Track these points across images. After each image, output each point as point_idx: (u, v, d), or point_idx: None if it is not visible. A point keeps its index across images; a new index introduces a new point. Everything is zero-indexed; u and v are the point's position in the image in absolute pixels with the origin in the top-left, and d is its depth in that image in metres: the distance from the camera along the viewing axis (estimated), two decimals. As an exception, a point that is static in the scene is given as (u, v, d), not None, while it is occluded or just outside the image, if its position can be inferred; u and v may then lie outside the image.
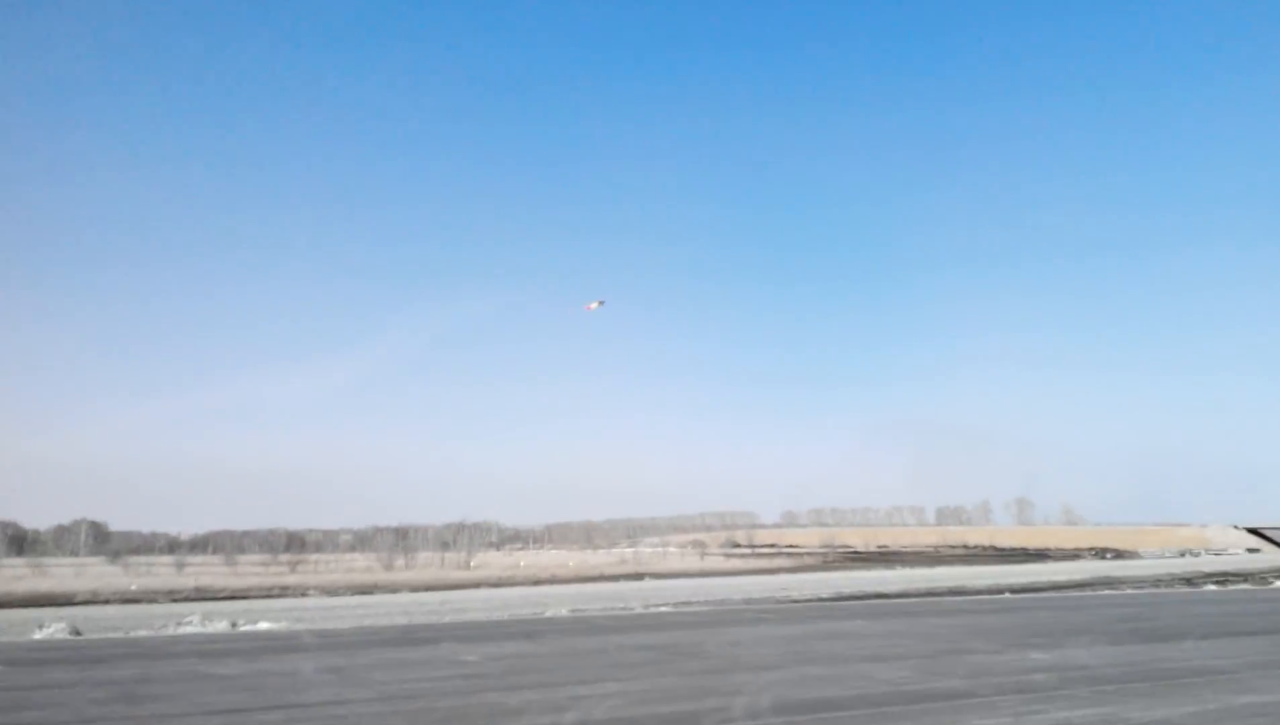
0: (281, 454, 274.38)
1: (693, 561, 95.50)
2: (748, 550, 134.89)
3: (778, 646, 18.18)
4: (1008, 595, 37.08)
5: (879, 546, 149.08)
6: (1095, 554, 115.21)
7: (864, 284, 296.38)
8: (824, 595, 38.07)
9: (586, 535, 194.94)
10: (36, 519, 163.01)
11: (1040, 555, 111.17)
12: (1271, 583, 47.59)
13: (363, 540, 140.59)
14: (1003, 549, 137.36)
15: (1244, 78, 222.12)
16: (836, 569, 74.15)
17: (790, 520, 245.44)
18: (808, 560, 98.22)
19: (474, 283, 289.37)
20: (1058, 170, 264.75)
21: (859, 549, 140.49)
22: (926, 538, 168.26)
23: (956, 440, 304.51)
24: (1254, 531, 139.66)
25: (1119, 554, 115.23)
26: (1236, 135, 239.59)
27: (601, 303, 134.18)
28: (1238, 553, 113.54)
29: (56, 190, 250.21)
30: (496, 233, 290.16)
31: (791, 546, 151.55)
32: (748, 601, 34.08)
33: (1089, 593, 38.93)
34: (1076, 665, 14.95)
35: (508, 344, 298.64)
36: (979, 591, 40.54)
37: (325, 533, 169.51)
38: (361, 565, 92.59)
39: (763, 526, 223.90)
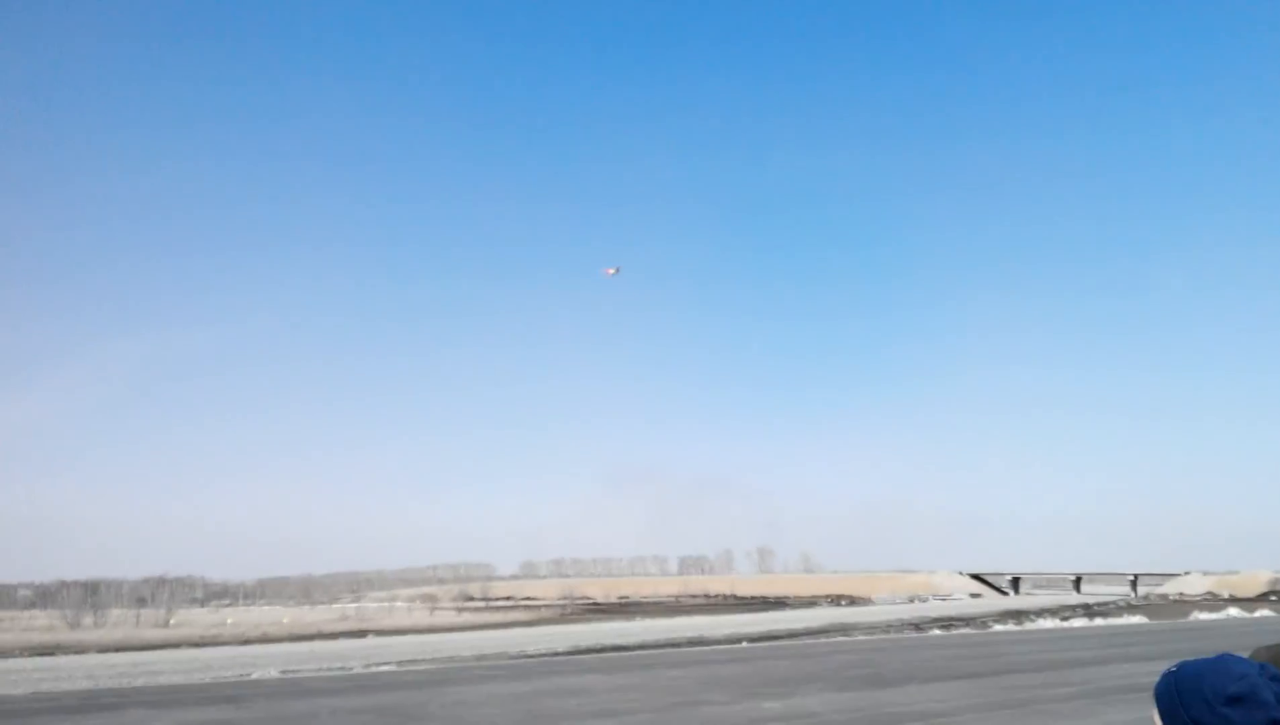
0: None
1: (421, 617, 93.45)
2: (482, 604, 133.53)
3: (505, 705, 18.10)
4: (745, 644, 38.85)
5: (620, 597, 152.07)
6: (831, 601, 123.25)
7: (593, 336, 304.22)
8: (560, 649, 38.31)
9: (305, 590, 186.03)
10: None
11: (779, 603, 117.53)
12: (991, 626, 52.81)
13: (45, 595, 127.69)
14: (743, 598, 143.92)
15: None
16: (575, 622, 74.90)
17: (529, 571, 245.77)
18: (545, 613, 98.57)
19: (164, 318, 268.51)
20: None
21: (599, 600, 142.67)
22: (668, 587, 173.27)
23: (699, 490, 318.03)
24: (976, 577, 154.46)
25: (853, 601, 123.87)
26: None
27: (618, 270, 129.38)
28: (961, 598, 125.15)
29: None
30: (212, 264, 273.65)
31: (529, 599, 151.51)
32: (479, 658, 33.73)
33: (823, 639, 41.51)
34: (806, 713, 15.87)
35: (217, 384, 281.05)
36: (718, 641, 42.22)
37: (1, 587, 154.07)
38: (43, 623, 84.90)
39: (499, 578, 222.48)
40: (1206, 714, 1.81)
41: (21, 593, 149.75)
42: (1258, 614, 62.84)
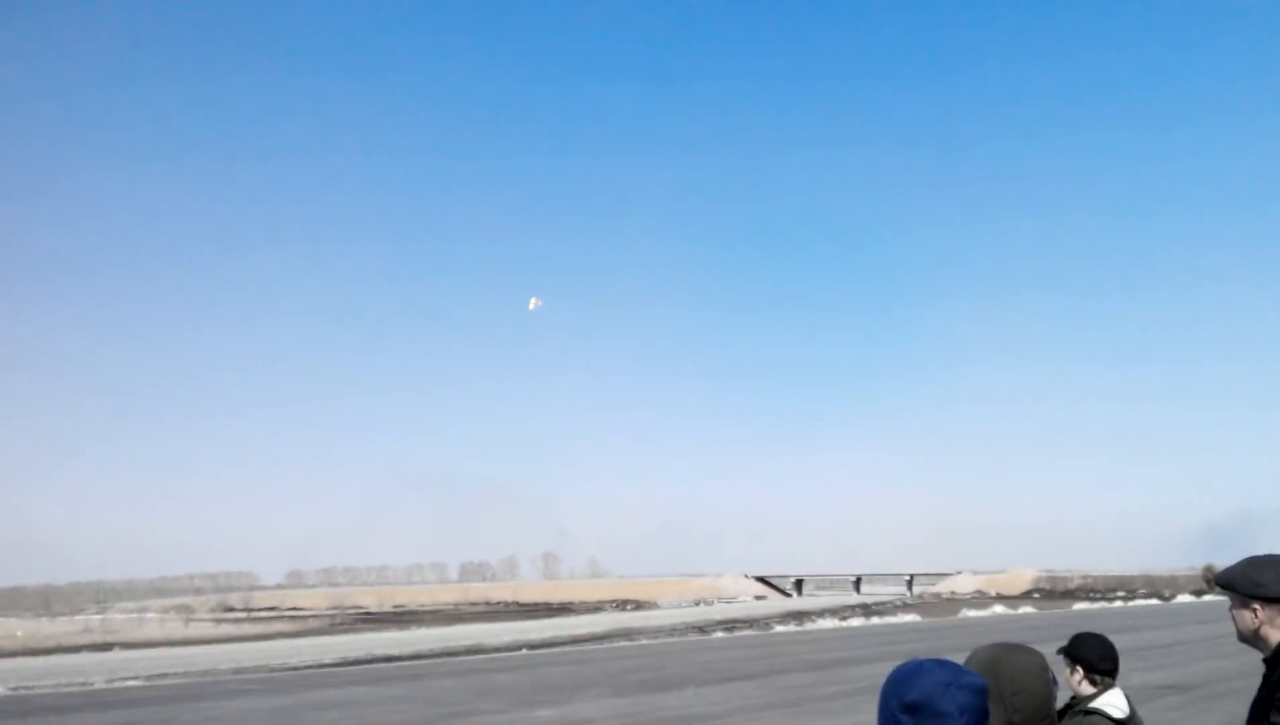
0: None
1: (175, 628, 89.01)
2: (243, 615, 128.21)
3: (261, 720, 17.55)
4: (525, 651, 38.95)
5: (395, 606, 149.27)
6: (617, 606, 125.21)
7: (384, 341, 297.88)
8: (326, 661, 37.30)
9: (44, 600, 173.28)
10: None
11: (564, 609, 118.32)
12: (774, 628, 55.07)
13: None
14: (526, 604, 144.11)
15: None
16: (344, 632, 72.93)
17: (296, 580, 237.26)
18: (313, 624, 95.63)
19: None
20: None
21: (373, 610, 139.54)
22: (448, 595, 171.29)
23: (482, 497, 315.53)
24: (761, 579, 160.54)
25: (639, 605, 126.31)
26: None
27: (540, 302, 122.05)
28: (747, 600, 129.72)
29: None
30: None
31: (295, 609, 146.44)
32: (236, 671, 32.39)
33: (606, 645, 42.21)
34: (581, 720, 16.11)
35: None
36: (497, 649, 42.14)
37: None
38: None
39: (264, 588, 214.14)
40: (888, 719, 1.83)
41: None
42: (1021, 610, 68.55)
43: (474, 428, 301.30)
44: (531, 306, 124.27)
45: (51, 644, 63.70)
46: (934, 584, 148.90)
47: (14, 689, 27.11)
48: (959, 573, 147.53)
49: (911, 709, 1.79)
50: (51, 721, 18.09)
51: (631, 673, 25.12)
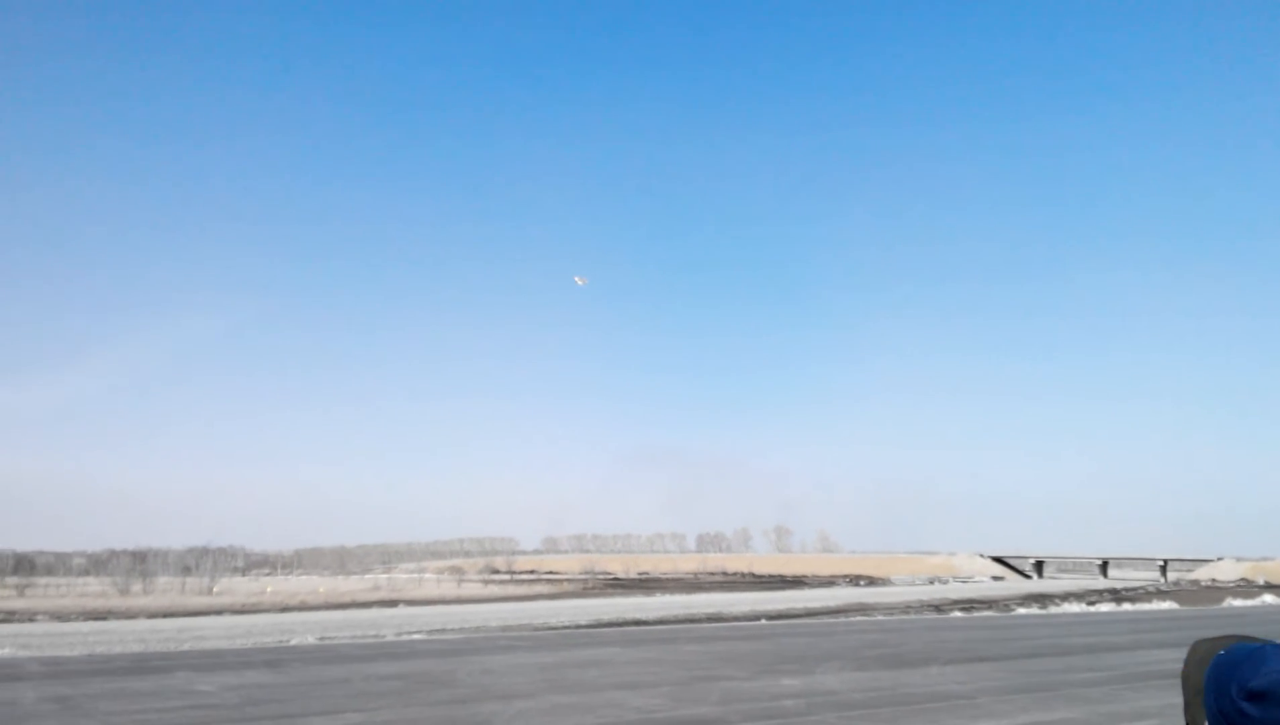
0: (9, 472, 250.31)
1: (449, 588, 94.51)
2: (507, 577, 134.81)
3: (530, 675, 18.50)
4: (763, 622, 39.20)
5: (640, 573, 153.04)
6: (849, 581, 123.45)
7: (629, 313, 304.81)
8: (582, 622, 38.81)
9: (339, 561, 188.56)
10: None
11: (797, 582, 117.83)
12: (1014, 610, 52.87)
13: (97, 564, 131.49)
14: (760, 576, 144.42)
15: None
16: (596, 596, 75.55)
17: (551, 546, 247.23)
18: (567, 587, 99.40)
19: (211, 297, 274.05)
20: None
21: (620, 576, 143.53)
22: (687, 564, 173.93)
23: (718, 469, 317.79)
24: (998, 560, 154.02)
25: (872, 581, 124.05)
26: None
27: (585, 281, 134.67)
28: (983, 580, 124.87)
29: None
30: (233, 247, 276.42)
31: (552, 573, 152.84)
32: (504, 629, 34.24)
33: (842, 619, 41.78)
34: (825, 691, 16.16)
35: (257, 362, 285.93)
36: (736, 618, 42.61)
37: (57, 555, 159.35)
38: (95, 590, 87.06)
39: (523, 553, 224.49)
40: (1228, 705, 1.67)
41: (76, 561, 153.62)
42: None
43: (707, 401, 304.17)
44: (579, 283, 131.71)
45: (347, 600, 68.80)
46: (1191, 570, 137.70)
47: (321, 638, 29.68)
48: (1219, 559, 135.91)
49: (1257, 696, 1.63)
50: (355, 669, 19.74)
51: (870, 648, 24.88)
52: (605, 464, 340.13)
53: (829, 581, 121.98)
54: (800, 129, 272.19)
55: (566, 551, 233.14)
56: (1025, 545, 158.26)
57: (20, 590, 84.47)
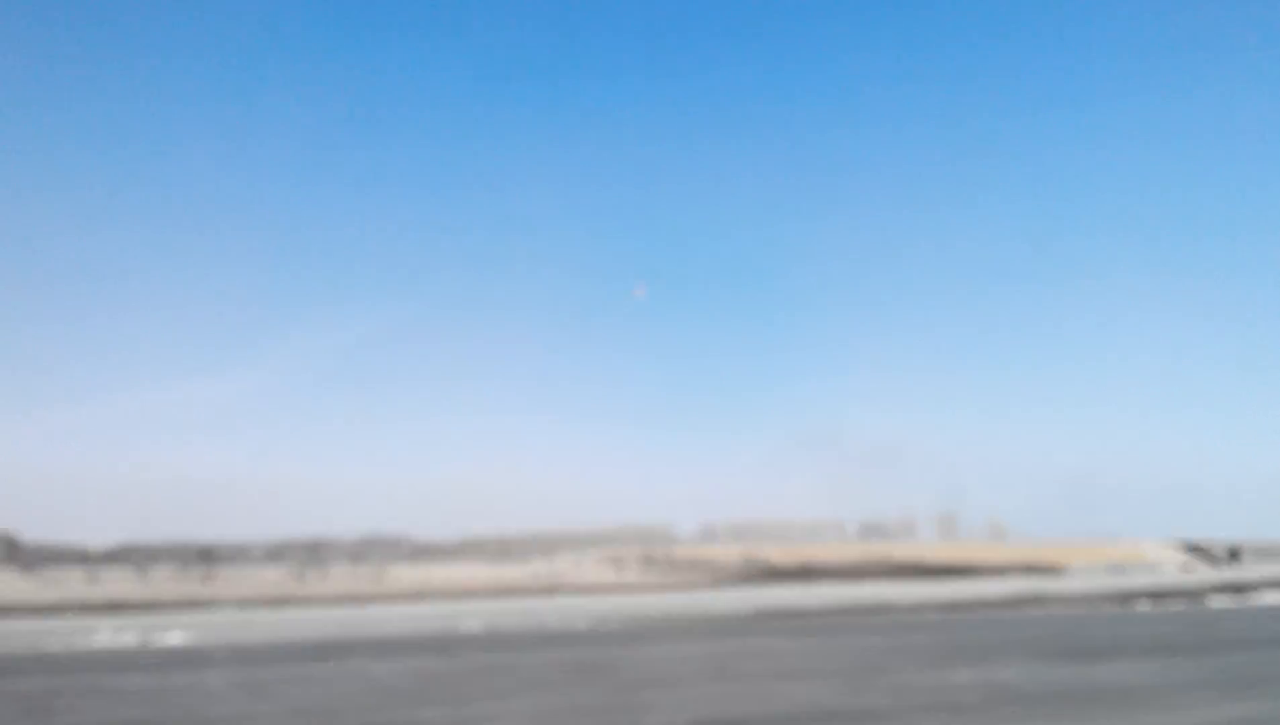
0: (192, 465, 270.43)
1: (608, 576, 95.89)
2: (665, 565, 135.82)
3: (694, 664, 18.34)
4: (933, 613, 38.01)
5: (800, 562, 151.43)
6: (1023, 570, 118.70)
7: (777, 292, 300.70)
8: (743, 612, 38.48)
9: (500, 549, 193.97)
10: None
11: (966, 572, 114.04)
12: (1207, 600, 49.66)
13: (274, 553, 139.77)
14: (927, 565, 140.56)
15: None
16: (755, 585, 75.07)
17: (708, 535, 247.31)
18: (726, 576, 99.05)
19: (376, 294, 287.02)
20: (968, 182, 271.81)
21: (779, 565, 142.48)
22: (849, 553, 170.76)
23: (877, 453, 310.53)
24: (1188, 547, 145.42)
25: (1048, 570, 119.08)
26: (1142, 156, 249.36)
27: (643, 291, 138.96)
28: (1170, 569, 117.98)
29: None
30: (396, 245, 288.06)
31: (709, 561, 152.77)
32: (665, 617, 34.29)
33: (1017, 610, 40.14)
34: (1003, 683, 15.40)
35: (416, 353, 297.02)
36: (903, 609, 41.43)
37: (236, 545, 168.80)
38: (273, 578, 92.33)
39: (680, 541, 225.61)
40: None
41: (254, 550, 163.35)
42: None
43: (871, 385, 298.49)
44: (638, 293, 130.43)
45: (509, 588, 70.52)
46: None
47: (486, 625, 30.37)
48: None
49: None
50: (523, 655, 20.07)
51: (1050, 639, 23.71)
52: (763, 449, 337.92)
53: (1001, 570, 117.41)
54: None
55: (724, 540, 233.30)
56: (1219, 530, 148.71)
57: (204, 579, 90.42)
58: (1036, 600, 49.15)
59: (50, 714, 12.53)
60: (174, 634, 26.97)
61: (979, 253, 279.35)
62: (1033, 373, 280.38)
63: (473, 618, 35.31)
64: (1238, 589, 62.27)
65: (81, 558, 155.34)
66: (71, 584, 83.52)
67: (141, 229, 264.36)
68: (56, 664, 18.73)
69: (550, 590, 65.42)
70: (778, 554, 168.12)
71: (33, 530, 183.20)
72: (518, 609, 42.51)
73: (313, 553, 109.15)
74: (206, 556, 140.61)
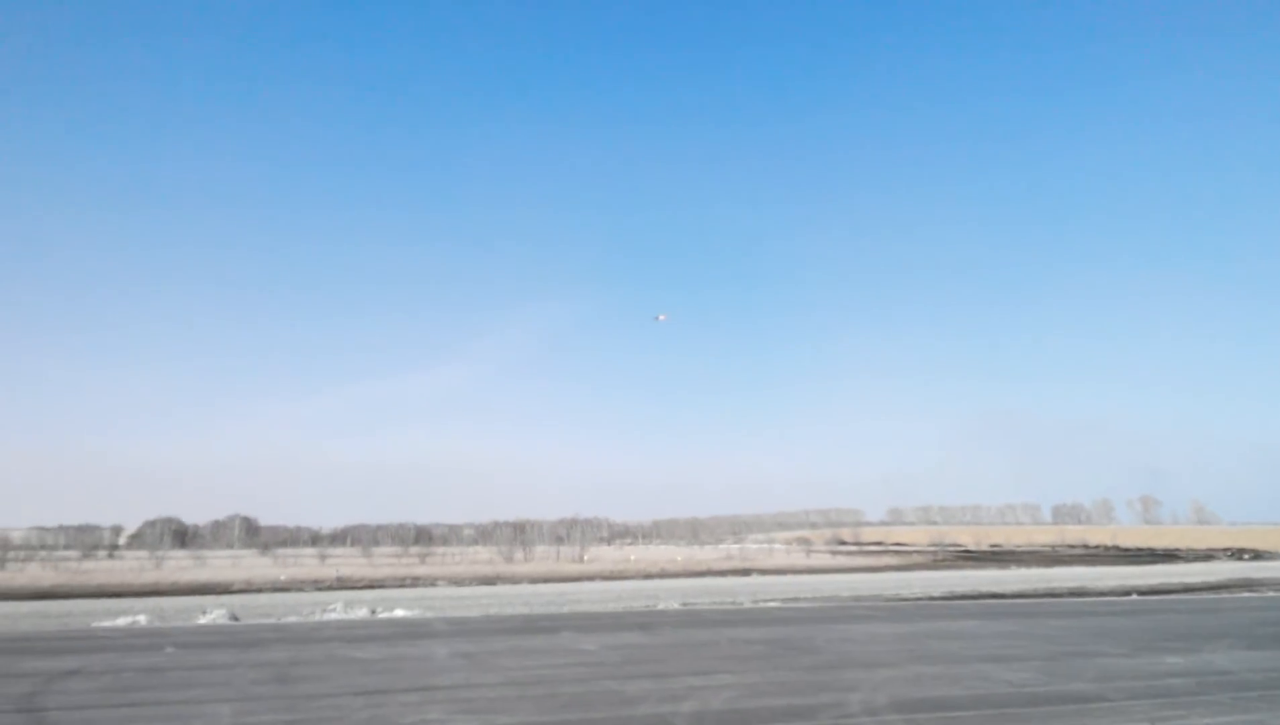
0: (409, 453, 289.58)
1: (799, 558, 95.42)
2: (854, 548, 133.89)
3: (890, 644, 18.28)
4: (1135, 597, 36.19)
5: (991, 545, 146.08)
6: (1231, 555, 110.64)
7: (967, 274, 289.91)
8: (935, 594, 37.77)
9: (693, 531, 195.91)
10: (196, 515, 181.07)
11: (1169, 556, 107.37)
12: None
13: (483, 534, 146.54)
14: (1127, 549, 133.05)
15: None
16: (947, 568, 73.12)
17: (896, 518, 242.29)
18: (916, 558, 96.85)
19: (575, 287, 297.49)
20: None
21: (970, 548, 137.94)
22: (1042, 536, 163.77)
23: (1072, 435, 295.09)
24: None
25: (1258, 555, 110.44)
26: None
27: (666, 317, 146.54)
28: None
29: (214, 205, 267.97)
30: (595, 238, 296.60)
31: (899, 544, 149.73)
32: (856, 599, 34.09)
33: (1226, 595, 37.71)
34: (1216, 670, 14.73)
35: (612, 345, 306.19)
36: (1103, 593, 39.63)
37: (450, 527, 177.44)
38: (484, 557, 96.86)
39: (868, 524, 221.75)
40: None
41: (465, 531, 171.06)
42: None
43: (1063, 365, 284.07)
44: (660, 319, 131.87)
45: (703, 568, 71.33)
46: None
47: (683, 604, 31.01)
48: None
49: None
50: (720, 633, 20.44)
51: (1263, 625, 22.35)
52: (951, 432, 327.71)
53: (1206, 555, 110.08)
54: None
55: (912, 523, 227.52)
56: None
57: (422, 558, 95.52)
58: (1247, 584, 45.99)
59: (296, 681, 13.57)
60: (398, 609, 28.77)
61: (1185, 229, 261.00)
62: (1238, 352, 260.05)
63: (670, 596, 36.12)
64: None
65: (312, 539, 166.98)
66: (305, 563, 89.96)
67: (363, 242, 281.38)
68: (297, 635, 20.14)
69: (743, 571, 65.80)
70: (967, 537, 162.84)
71: (269, 514, 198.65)
72: (712, 588, 43.06)
73: (519, 533, 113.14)
74: (423, 537, 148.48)
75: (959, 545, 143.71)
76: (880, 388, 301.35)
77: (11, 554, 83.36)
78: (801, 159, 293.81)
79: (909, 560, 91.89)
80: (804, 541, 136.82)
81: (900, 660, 15.90)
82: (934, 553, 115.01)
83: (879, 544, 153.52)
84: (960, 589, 41.11)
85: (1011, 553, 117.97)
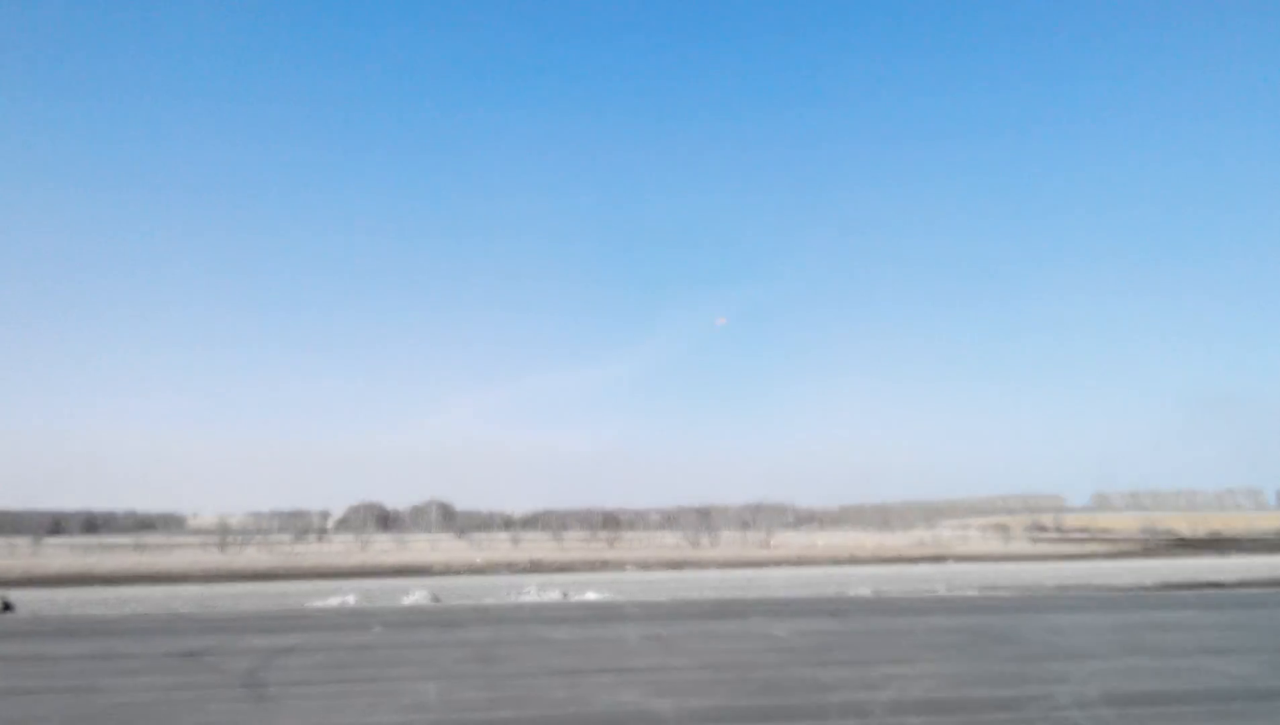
0: (595, 440, 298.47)
1: (996, 545, 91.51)
2: (1055, 534, 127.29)
3: (1099, 635, 17.27)
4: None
5: (1209, 532, 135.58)
6: None
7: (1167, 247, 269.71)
8: (1147, 583, 35.38)
9: (882, 517, 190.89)
10: (397, 500, 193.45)
11: None
12: None
13: (669, 519, 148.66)
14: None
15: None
16: (1160, 556, 68.37)
17: (1102, 503, 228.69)
18: (1125, 546, 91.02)
19: (754, 269, 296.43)
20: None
21: (1185, 535, 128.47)
22: (1267, 523, 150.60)
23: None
24: None
25: None
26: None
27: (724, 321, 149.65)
28: None
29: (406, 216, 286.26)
30: (773, 219, 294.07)
31: (1105, 531, 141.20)
32: (1060, 588, 32.34)
33: None
34: None
35: (796, 326, 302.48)
36: (1340, 583, 36.04)
37: (636, 512, 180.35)
38: (670, 542, 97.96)
39: (1071, 510, 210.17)
40: None
41: (651, 516, 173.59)
42: None
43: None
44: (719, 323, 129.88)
45: (894, 554, 69.54)
46: None
47: (875, 591, 30.16)
48: None
49: None
50: (917, 621, 19.84)
51: None
52: (1161, 414, 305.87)
53: None
54: None
55: (1119, 509, 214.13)
56: None
57: (610, 543, 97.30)
58: None
59: (496, 660, 14.06)
60: (589, 592, 29.35)
61: None
62: None
63: (860, 582, 35.35)
64: None
65: (505, 523, 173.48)
66: (498, 546, 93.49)
67: (541, 242, 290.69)
68: (495, 616, 20.76)
69: (937, 558, 63.71)
70: (1182, 524, 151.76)
71: (464, 500, 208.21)
72: (905, 575, 41.90)
73: (704, 518, 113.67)
74: (610, 522, 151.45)
75: (1172, 532, 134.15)
76: (1083, 367, 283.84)
77: (231, 538, 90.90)
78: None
79: (1117, 548, 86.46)
80: (1001, 528, 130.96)
81: (1111, 652, 15.00)
82: (1144, 540, 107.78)
83: (1083, 531, 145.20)
84: (1175, 578, 38.35)
85: (1232, 540, 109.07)
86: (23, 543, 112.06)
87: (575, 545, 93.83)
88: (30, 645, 16.52)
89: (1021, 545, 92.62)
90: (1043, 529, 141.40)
